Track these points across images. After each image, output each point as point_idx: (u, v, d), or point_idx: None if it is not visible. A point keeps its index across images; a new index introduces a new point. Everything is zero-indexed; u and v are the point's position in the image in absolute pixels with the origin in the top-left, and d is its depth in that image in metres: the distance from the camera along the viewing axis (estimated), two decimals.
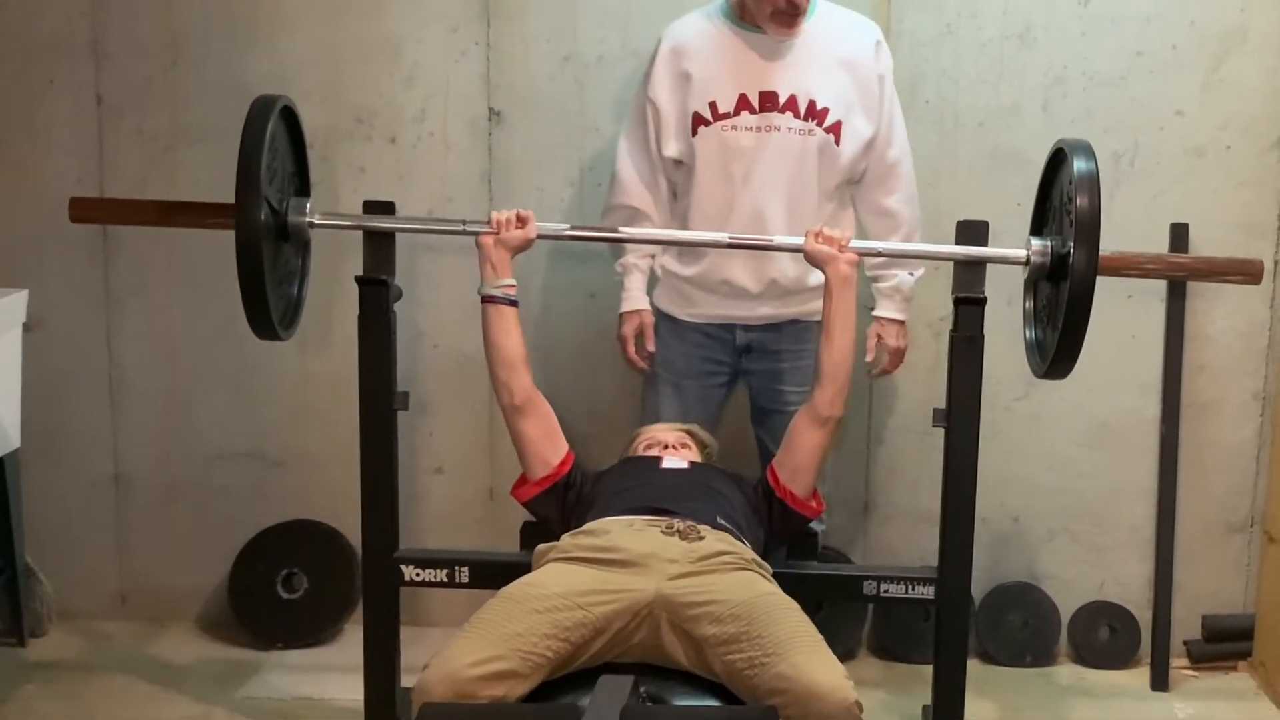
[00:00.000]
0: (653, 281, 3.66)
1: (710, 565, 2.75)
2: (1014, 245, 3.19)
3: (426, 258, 4.07)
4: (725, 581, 2.71)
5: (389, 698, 3.30)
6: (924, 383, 4.03)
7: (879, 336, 3.63)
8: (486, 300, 3.10)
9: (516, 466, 3.18)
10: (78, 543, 4.27)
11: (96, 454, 4.25)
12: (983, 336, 3.12)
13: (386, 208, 3.24)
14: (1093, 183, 2.87)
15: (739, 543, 2.88)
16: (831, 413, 3.11)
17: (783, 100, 3.42)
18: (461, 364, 4.09)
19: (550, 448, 3.13)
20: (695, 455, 3.28)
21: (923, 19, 3.95)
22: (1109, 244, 3.89)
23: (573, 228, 3.30)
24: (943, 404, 3.19)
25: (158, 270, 4.13)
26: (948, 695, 3.24)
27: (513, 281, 3.10)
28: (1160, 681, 4.03)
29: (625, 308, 3.62)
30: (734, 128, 3.43)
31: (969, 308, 3.12)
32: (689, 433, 3.35)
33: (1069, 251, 2.90)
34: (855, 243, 3.14)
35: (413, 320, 4.03)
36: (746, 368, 3.63)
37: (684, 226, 3.52)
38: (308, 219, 3.10)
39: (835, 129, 3.43)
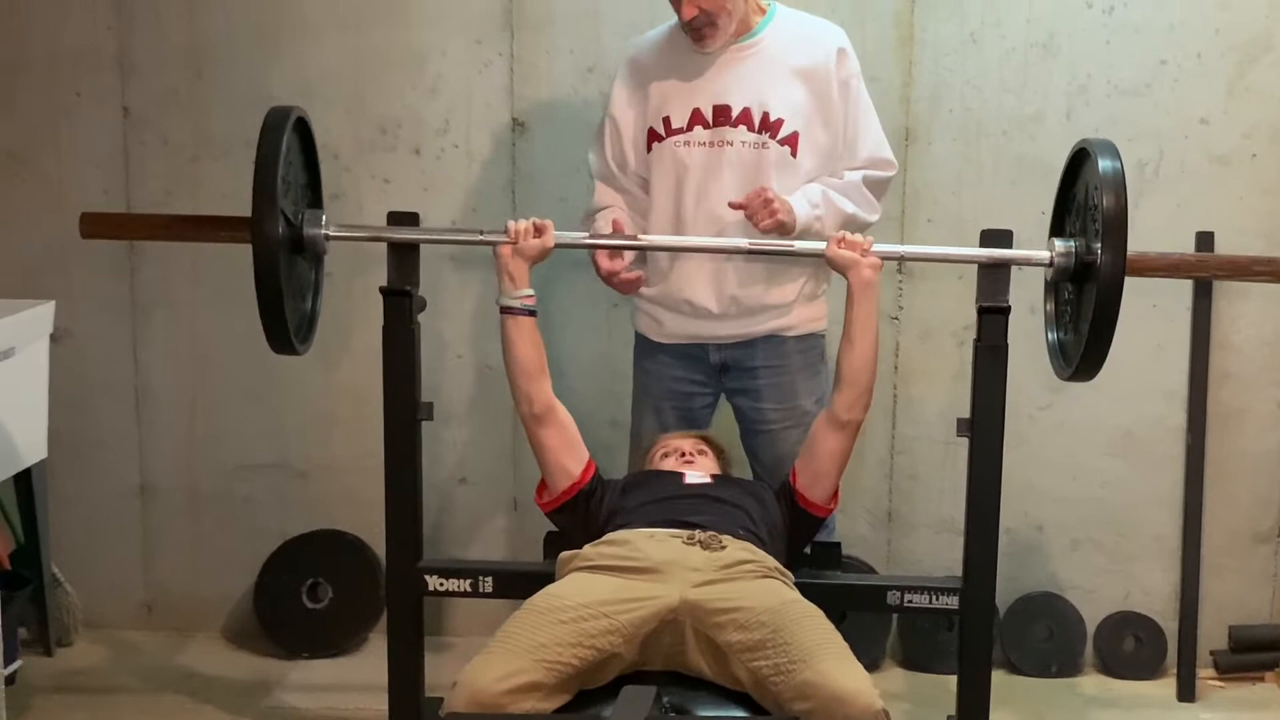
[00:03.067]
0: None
1: (733, 573, 2.75)
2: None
3: (450, 268, 4.08)
4: (749, 589, 2.72)
5: (413, 707, 3.30)
6: (948, 392, 4.03)
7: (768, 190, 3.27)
8: (505, 311, 3.10)
9: (539, 476, 3.18)
10: (104, 553, 4.28)
11: (122, 464, 4.26)
12: (1007, 345, 3.11)
13: (410, 219, 3.25)
14: (1119, 181, 2.86)
15: (760, 552, 2.89)
16: (850, 417, 3.10)
17: (736, 113, 3.35)
18: (485, 374, 4.10)
19: (571, 457, 3.12)
20: (713, 463, 3.28)
21: (946, 28, 3.95)
22: (1133, 253, 3.89)
23: (591, 236, 3.29)
24: (966, 413, 3.18)
25: (183, 281, 4.15)
26: (972, 706, 3.23)
27: (531, 292, 3.10)
28: (1187, 692, 4.01)
29: (599, 225, 3.44)
30: (687, 143, 3.37)
31: (993, 316, 3.11)
32: (705, 439, 3.35)
33: (1095, 252, 2.89)
34: (878, 246, 3.11)
35: (437, 331, 4.04)
36: (728, 387, 3.56)
37: None
38: (323, 231, 3.10)
39: (791, 140, 3.35)
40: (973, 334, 3.16)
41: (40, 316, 3.90)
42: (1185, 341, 4.03)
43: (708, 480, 3.18)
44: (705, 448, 3.30)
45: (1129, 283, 3.94)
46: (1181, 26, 3.90)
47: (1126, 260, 2.85)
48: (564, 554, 2.92)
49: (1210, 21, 3.90)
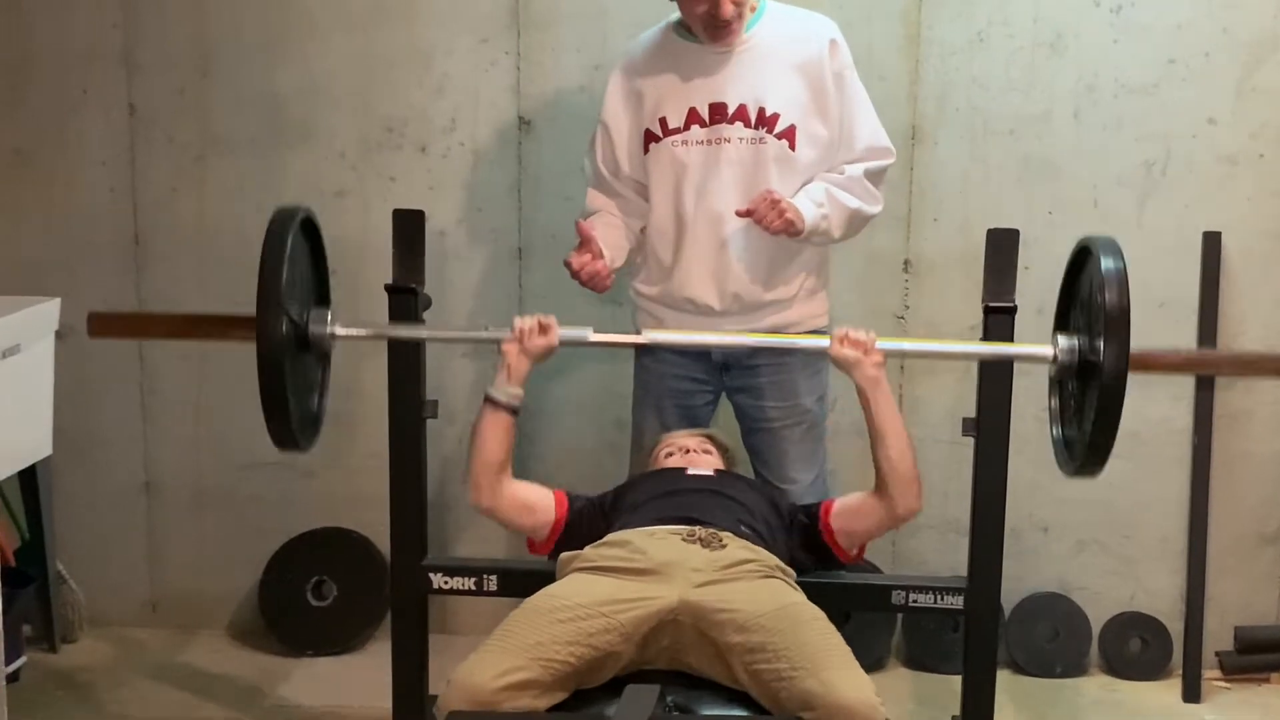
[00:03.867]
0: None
1: (734, 573, 2.74)
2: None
3: (456, 266, 4.08)
4: (750, 589, 2.71)
5: (417, 705, 3.30)
6: (953, 392, 4.02)
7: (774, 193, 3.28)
8: (489, 402, 3.04)
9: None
10: (109, 550, 4.29)
11: (128, 462, 4.27)
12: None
13: (416, 217, 3.24)
14: (1121, 281, 2.81)
15: (762, 550, 2.87)
16: (911, 510, 3.05)
17: (732, 110, 3.35)
18: (490, 373, 4.05)
19: (538, 515, 3.07)
20: (718, 461, 3.27)
21: (953, 27, 3.94)
22: (1139, 254, 3.88)
23: (595, 332, 3.16)
24: (972, 413, 3.18)
25: (188, 280, 4.15)
26: (977, 706, 3.22)
27: (521, 392, 3.04)
28: (1192, 693, 4.00)
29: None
30: (684, 143, 3.36)
31: (999, 316, 3.10)
32: (709, 438, 3.34)
33: (1098, 350, 2.86)
34: (882, 342, 3.03)
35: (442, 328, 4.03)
36: (729, 385, 3.55)
37: (646, 245, 3.47)
38: (329, 330, 3.06)
39: (789, 134, 3.34)
40: (979, 333, 3.15)
41: (46, 313, 3.90)
42: (1191, 343, 4.01)
43: (710, 474, 3.17)
44: (710, 446, 3.29)
45: (1134, 284, 3.95)
46: (1189, 26, 3.89)
47: (1129, 361, 2.81)
48: (564, 555, 2.92)
49: (1218, 21, 3.89)
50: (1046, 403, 3.14)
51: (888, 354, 3.05)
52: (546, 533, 3.08)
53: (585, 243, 3.31)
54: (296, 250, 2.96)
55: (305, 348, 3.03)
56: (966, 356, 3.30)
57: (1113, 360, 2.80)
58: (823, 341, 3.08)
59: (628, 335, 3.30)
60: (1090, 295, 2.95)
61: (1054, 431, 3.14)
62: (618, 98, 3.46)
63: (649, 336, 3.29)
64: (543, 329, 3.03)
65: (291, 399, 2.93)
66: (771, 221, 3.23)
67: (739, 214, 3.27)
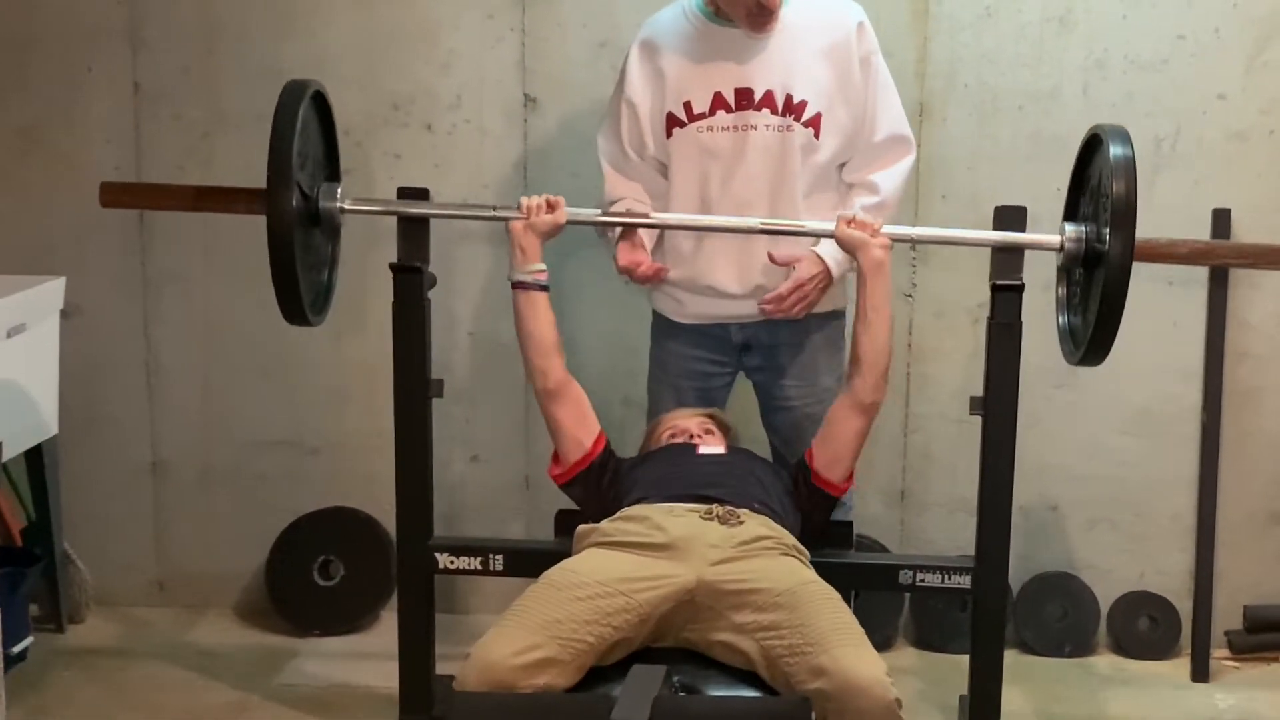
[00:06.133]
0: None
1: (751, 550, 2.75)
2: (1052, 231, 3.15)
3: (462, 245, 4.07)
4: (767, 567, 2.71)
5: (424, 684, 3.31)
6: (961, 370, 4.00)
7: (796, 261, 3.31)
8: (517, 286, 3.11)
9: (551, 451, 3.18)
10: (115, 530, 4.29)
11: (134, 441, 4.26)
12: (1020, 323, 3.10)
13: (421, 194, 3.24)
14: (1129, 168, 2.84)
15: (779, 527, 2.88)
16: (874, 398, 3.09)
17: (759, 96, 3.30)
18: (497, 351, 4.08)
19: (583, 430, 3.14)
20: (721, 440, 3.27)
21: (961, 3, 3.91)
22: (1149, 231, 3.86)
23: (603, 212, 3.26)
24: (980, 392, 3.17)
25: (195, 257, 4.14)
26: (985, 686, 3.22)
27: (543, 266, 3.11)
28: (1201, 672, 3.99)
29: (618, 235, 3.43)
30: (710, 129, 3.32)
31: (1007, 294, 3.10)
32: (711, 417, 3.33)
33: (1105, 239, 2.87)
34: (888, 228, 3.09)
35: (448, 307, 4.02)
36: (747, 365, 3.54)
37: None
38: (339, 204, 3.10)
39: (815, 122, 3.30)
40: (986, 312, 3.14)
41: (51, 292, 3.90)
42: (1201, 319, 4.00)
43: (721, 450, 3.18)
44: (712, 426, 3.29)
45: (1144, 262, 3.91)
46: (1199, 1, 3.86)
47: (1135, 245, 2.84)
48: (581, 527, 2.93)
49: None
50: (1054, 290, 3.23)
51: (894, 239, 3.10)
52: (578, 456, 3.13)
53: (628, 236, 3.32)
54: (307, 124, 2.98)
55: (315, 222, 3.06)
56: (974, 243, 3.32)
57: (1119, 249, 2.83)
58: (828, 225, 3.12)
59: (636, 217, 3.32)
60: (1099, 184, 2.95)
61: (1060, 319, 3.19)
62: (640, 77, 3.40)
63: (659, 218, 3.31)
64: (550, 206, 3.10)
65: (302, 273, 2.95)
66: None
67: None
